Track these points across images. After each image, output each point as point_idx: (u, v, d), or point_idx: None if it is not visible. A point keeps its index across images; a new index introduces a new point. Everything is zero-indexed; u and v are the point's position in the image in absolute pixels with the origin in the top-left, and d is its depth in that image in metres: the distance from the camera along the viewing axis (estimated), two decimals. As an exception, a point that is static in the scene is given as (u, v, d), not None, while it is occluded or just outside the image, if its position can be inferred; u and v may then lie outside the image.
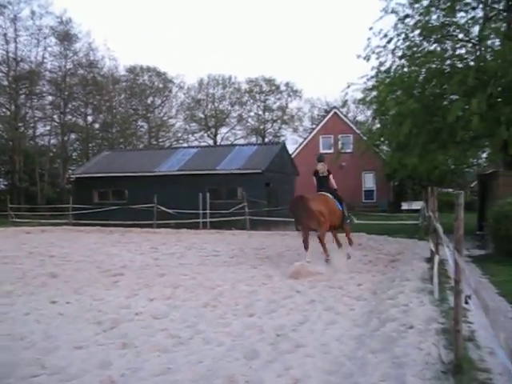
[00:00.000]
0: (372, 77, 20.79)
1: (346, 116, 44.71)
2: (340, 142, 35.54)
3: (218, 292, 9.32)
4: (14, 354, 5.94)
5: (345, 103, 53.18)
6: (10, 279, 10.91)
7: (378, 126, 23.84)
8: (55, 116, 47.19)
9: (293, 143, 54.53)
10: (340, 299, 8.73)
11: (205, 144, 54.64)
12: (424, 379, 4.82)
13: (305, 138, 45.20)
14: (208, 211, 25.34)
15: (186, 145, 52.40)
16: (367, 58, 20.17)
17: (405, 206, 35.24)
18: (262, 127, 61.81)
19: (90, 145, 50.97)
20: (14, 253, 15.75)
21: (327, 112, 47.85)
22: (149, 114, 55.94)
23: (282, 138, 58.67)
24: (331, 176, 13.33)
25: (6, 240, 20.53)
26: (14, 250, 16.67)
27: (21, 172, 41.60)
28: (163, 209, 25.73)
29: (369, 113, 38.98)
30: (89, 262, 13.49)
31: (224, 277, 10.96)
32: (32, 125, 46.55)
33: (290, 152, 35.17)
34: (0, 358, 5.84)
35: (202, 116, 60.23)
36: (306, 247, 12.49)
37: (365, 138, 23.99)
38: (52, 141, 48.20)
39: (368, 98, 21.84)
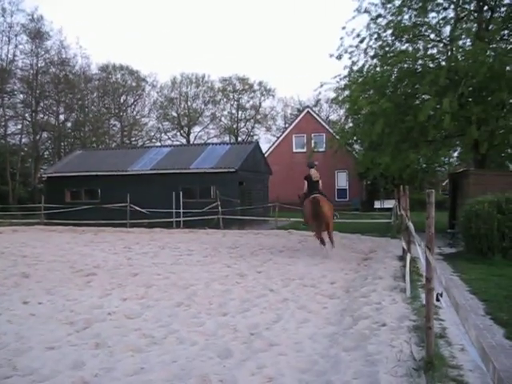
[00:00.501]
0: (345, 76, 20.96)
1: (318, 115, 44.86)
2: (313, 141, 35.68)
3: (191, 291, 9.30)
4: (-16, 356, 5.87)
5: (317, 102, 53.56)
6: (-19, 280, 10.75)
7: (351, 125, 24.04)
8: (26, 115, 46.40)
9: (266, 142, 54.74)
10: (313, 297, 8.78)
11: (178, 143, 54.39)
12: (396, 376, 4.87)
13: (278, 137, 45.29)
14: (181, 210, 25.28)
15: (158, 144, 52.13)
16: (340, 58, 20.33)
17: (377, 204, 35.56)
18: (235, 126, 61.76)
19: (62, 144, 50.26)
20: (-15, 253, 15.50)
21: (300, 111, 48.02)
22: (121, 113, 55.46)
23: (256, 137, 58.83)
24: (320, 181, 14.97)
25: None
26: (-16, 250, 16.40)
27: (-9, 171, 40.87)
28: (136, 208, 25.56)
29: (341, 112, 39.35)
30: (61, 262, 13.34)
31: (197, 276, 10.94)
32: (3, 123, 45.66)
33: (264, 151, 35.22)
34: (-29, 359, 5.76)
35: (175, 115, 59.95)
36: (324, 243, 14.35)
37: (337, 137, 24.14)
38: (23, 140, 47.36)
39: (341, 98, 22.02)
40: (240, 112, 61.80)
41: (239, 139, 57.19)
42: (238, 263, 12.91)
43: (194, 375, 5.14)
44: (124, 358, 5.76)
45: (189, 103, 60.04)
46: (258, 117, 62.16)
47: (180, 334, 6.62)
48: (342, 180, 40.20)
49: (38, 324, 7.25)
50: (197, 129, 61.76)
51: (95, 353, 5.96)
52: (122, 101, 55.72)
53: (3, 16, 42.31)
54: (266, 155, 35.27)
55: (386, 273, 10.66)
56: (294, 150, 40.80)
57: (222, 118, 62.16)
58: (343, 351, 5.78)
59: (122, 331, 6.79)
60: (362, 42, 19.92)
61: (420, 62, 19.10)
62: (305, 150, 38.03)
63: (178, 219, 25.26)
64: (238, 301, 8.54)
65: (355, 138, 23.64)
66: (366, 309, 7.57)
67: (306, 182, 14.87)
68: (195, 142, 54.68)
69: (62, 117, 49.76)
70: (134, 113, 57.98)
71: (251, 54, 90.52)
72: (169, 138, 59.81)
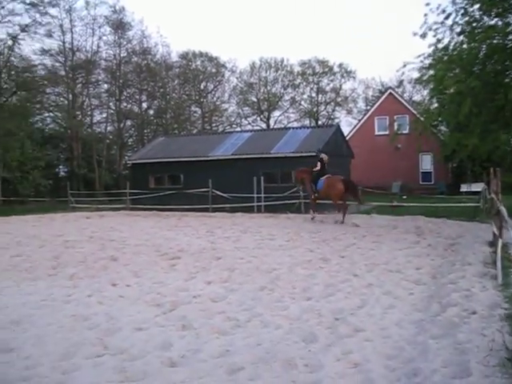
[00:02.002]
0: (429, 55, 20.15)
1: (401, 96, 43.68)
2: (396, 123, 34.82)
3: (274, 275, 9.31)
4: (78, 334, 6.14)
5: (401, 83, 52.11)
6: (73, 263, 11.26)
7: (436, 105, 23.20)
8: (111, 103, 48.26)
9: (347, 125, 53.96)
10: (398, 283, 8.57)
11: (258, 128, 54.60)
12: (488, 366, 4.69)
13: (359, 120, 44.56)
14: (262, 195, 25.41)
15: (239, 129, 52.52)
16: (424, 36, 19.54)
17: (464, 187, 34.25)
18: (315, 110, 61.21)
19: (145, 131, 51.81)
20: (75, 237, 16.18)
21: (382, 92, 47.01)
22: (202, 99, 56.29)
23: (336, 120, 57.95)
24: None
25: (67, 225, 21.14)
26: (75, 234, 17.14)
27: (79, 159, 42.80)
28: (218, 193, 25.93)
29: (425, 92, 38.05)
30: (147, 246, 13.72)
31: (280, 260, 10.95)
32: (89, 113, 47.71)
33: (345, 134, 34.68)
34: (65, 337, 6.04)
35: (255, 100, 60.12)
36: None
37: (422, 118, 23.40)
38: (108, 128, 49.33)
39: (425, 77, 21.25)
40: (320, 95, 61.18)
41: (319, 123, 56.65)
42: (320, 248, 12.81)
43: (279, 359, 5.14)
44: (210, 340, 5.85)
45: (268, 88, 60.03)
46: (339, 99, 61.28)
47: (264, 318, 6.65)
48: (426, 163, 39.06)
49: (126, 305, 7.49)
50: (276, 113, 61.76)
51: (182, 334, 6.09)
52: (202, 87, 56.52)
53: (87, 9, 44.19)
54: (347, 138, 34.75)
55: (476, 259, 10.26)
56: (376, 133, 40.06)
57: (302, 102, 61.81)
58: (431, 339, 5.61)
59: (207, 314, 6.90)
60: (447, 18, 19.04)
61: (510, 37, 18.09)
62: (387, 132, 37.23)
63: (259, 204, 25.42)
64: (322, 285, 8.46)
65: (440, 118, 22.80)
66: (455, 296, 7.32)
67: (319, 164, 20.14)
68: (275, 127, 54.71)
69: (144, 105, 51.38)
70: (215, 99, 58.71)
71: (330, 36, 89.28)
72: (249, 123, 60.19)
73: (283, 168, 25.81)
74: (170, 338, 5.93)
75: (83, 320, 6.74)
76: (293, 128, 32.75)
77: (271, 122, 60.52)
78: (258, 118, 61.31)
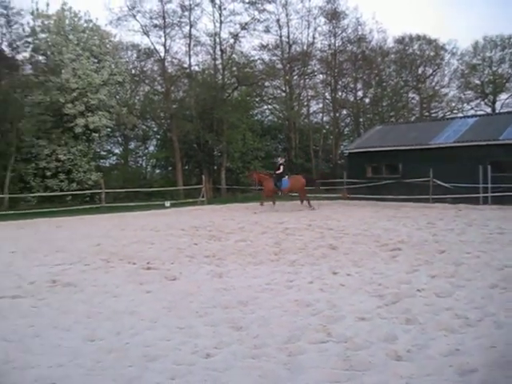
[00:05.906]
0: None
1: None
2: None
3: (507, 273, 8.52)
4: (301, 319, 6.34)
5: None
6: (293, 249, 11.74)
7: None
8: (326, 93, 48.96)
9: None
10: None
11: (482, 113, 50.96)
12: None
13: None
14: (489, 185, 23.70)
15: (460, 115, 49.60)
16: None
17: None
18: (553, 90, 55.21)
19: (361, 119, 51.69)
20: (294, 225, 16.83)
21: None
22: (420, 85, 54.31)
23: None
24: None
25: (286, 212, 22.04)
26: (293, 222, 17.83)
27: (297, 149, 44.25)
28: (439, 183, 24.82)
29: None
30: (366, 236, 13.66)
31: (513, 257, 10.03)
32: (305, 103, 49.00)
33: None
34: (290, 321, 6.29)
35: (478, 82, 56.19)
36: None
37: None
38: (324, 118, 50.16)
39: None
40: (557, 73, 55.04)
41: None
42: None
43: (517, 365, 4.69)
44: (437, 336, 5.58)
45: (493, 68, 55.70)
46: None
47: (497, 318, 6.11)
48: None
49: (347, 294, 7.53)
50: (503, 96, 56.94)
51: (406, 328, 5.91)
52: (419, 72, 54.51)
53: (302, 2, 45.56)
54: None
55: None
56: None
57: (534, 82, 56.21)
58: None
59: (433, 309, 6.60)
60: None
61: None
62: None
63: (485, 195, 23.79)
64: None
65: None
66: None
67: (281, 167, 24.36)
68: (502, 111, 50.56)
69: (359, 93, 51.26)
70: (433, 84, 56.23)
71: None
72: (471, 108, 56.48)
73: (514, 156, 23.73)
74: (393, 331, 5.80)
75: (306, 306, 6.94)
76: (525, 112, 29.88)
77: (497, 105, 56.11)
78: (482, 103, 57.21)
